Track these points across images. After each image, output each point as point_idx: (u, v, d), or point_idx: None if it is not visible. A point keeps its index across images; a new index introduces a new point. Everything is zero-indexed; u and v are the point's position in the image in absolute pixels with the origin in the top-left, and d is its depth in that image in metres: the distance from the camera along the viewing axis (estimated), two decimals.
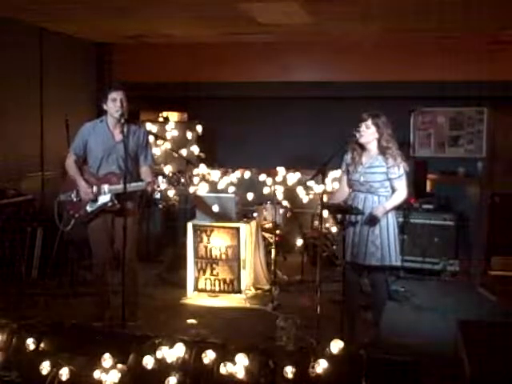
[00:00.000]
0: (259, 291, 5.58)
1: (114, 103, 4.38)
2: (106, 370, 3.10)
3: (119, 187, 4.32)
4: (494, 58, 6.52)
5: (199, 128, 7.35)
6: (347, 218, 4.16)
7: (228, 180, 6.45)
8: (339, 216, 4.20)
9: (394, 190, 4.15)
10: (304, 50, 7.15)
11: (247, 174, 6.41)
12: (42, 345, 3.33)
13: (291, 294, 5.60)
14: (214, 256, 5.45)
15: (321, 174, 4.07)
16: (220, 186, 6.43)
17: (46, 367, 3.17)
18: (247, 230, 5.43)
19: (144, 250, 6.59)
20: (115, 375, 3.08)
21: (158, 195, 6.84)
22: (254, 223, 5.60)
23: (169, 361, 3.10)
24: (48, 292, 5.45)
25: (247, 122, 7.70)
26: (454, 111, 7.36)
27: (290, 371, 2.98)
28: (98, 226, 4.52)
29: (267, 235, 5.77)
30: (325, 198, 4.12)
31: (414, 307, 5.29)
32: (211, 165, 6.73)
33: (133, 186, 4.30)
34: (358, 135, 4.14)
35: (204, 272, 5.47)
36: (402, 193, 4.15)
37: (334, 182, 6.11)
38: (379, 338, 4.24)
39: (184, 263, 5.57)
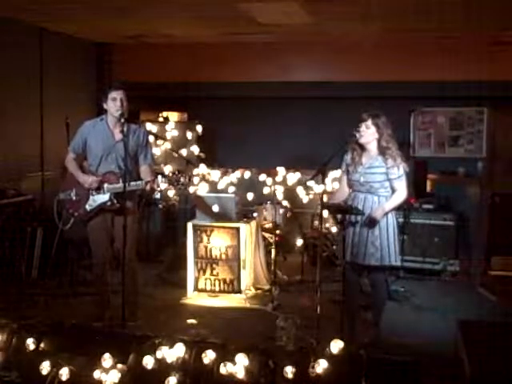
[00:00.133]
0: (259, 291, 5.58)
1: (114, 102, 4.38)
2: (106, 370, 3.10)
3: (118, 186, 4.33)
4: (494, 58, 6.52)
5: (199, 128, 7.36)
6: (347, 218, 4.16)
7: (228, 180, 6.46)
8: (339, 216, 4.20)
9: (393, 191, 4.14)
10: (304, 50, 7.15)
11: (247, 174, 6.42)
12: (41, 345, 3.33)
13: (291, 293, 5.60)
14: (213, 256, 5.45)
15: (321, 174, 4.07)
16: (220, 186, 6.43)
17: (45, 367, 3.17)
18: (247, 229, 5.43)
19: (144, 250, 6.59)
20: (115, 375, 3.08)
21: (158, 195, 6.84)
22: (254, 223, 5.60)
23: (169, 361, 3.10)
24: (48, 292, 5.44)
25: (247, 122, 7.70)
26: (454, 111, 7.36)
27: (290, 371, 2.98)
28: (98, 226, 4.52)
29: (267, 235, 5.77)
30: (325, 198, 4.12)
31: (414, 307, 5.28)
32: (211, 165, 6.74)
33: (132, 186, 4.30)
34: (357, 135, 4.14)
35: (204, 272, 5.47)
36: (401, 193, 4.15)
37: (334, 182, 6.11)
38: (379, 338, 4.24)
39: (184, 263, 5.57)
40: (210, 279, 5.46)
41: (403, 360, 3.02)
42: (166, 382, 3.02)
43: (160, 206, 6.96)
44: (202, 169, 6.45)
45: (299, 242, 6.35)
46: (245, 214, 5.63)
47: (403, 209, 6.07)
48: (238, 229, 5.39)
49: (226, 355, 3.07)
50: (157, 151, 7.05)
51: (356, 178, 4.20)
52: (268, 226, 5.74)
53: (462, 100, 7.21)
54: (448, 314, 4.86)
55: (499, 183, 6.94)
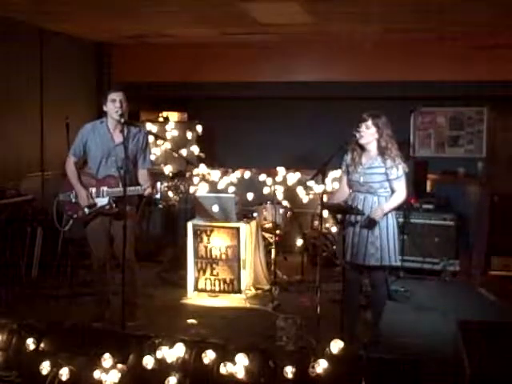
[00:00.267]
0: (259, 291, 5.58)
1: (114, 104, 4.37)
2: (106, 370, 3.10)
3: (117, 190, 4.32)
4: (494, 58, 6.52)
5: (199, 128, 7.35)
6: (347, 217, 4.16)
7: (228, 180, 6.45)
8: (339, 216, 4.20)
9: (392, 191, 4.14)
10: (304, 50, 7.15)
11: (247, 174, 6.41)
12: (41, 345, 3.34)
13: (291, 293, 5.59)
14: (214, 256, 5.44)
15: (321, 174, 4.07)
16: (220, 186, 6.43)
17: (46, 367, 3.18)
18: (247, 229, 5.43)
19: (144, 250, 6.59)
20: (115, 375, 3.08)
21: (158, 195, 6.84)
22: (253, 223, 5.60)
23: (169, 361, 3.11)
24: (48, 292, 5.44)
25: (247, 122, 7.71)
26: (454, 111, 7.37)
27: (290, 371, 2.98)
28: (97, 227, 4.52)
29: (267, 235, 5.77)
30: (325, 198, 4.12)
31: (414, 307, 5.29)
32: (211, 165, 6.73)
33: (131, 190, 4.29)
34: (358, 135, 4.14)
35: (204, 272, 5.47)
36: (400, 194, 4.14)
37: (334, 182, 6.11)
38: (379, 338, 4.24)
39: (184, 263, 5.57)
40: (210, 279, 5.46)
41: (403, 360, 3.02)
42: (165, 382, 3.03)
43: (160, 206, 6.96)
44: (202, 169, 6.45)
45: (299, 241, 6.35)
46: (245, 214, 5.63)
47: (403, 209, 6.07)
48: (238, 229, 5.39)
49: (225, 355, 3.08)
50: (157, 151, 7.05)
51: (356, 178, 4.20)
52: (268, 225, 5.73)
53: (462, 100, 7.22)
54: (448, 314, 4.87)
55: (499, 183, 6.94)
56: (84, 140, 4.52)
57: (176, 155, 6.52)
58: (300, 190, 6.27)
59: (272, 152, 7.32)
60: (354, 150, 4.24)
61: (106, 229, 4.52)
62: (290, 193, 6.23)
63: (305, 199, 6.32)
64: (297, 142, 7.41)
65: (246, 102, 7.72)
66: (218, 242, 5.43)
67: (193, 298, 5.45)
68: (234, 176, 6.48)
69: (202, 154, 7.07)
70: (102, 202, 4.44)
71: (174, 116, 8.08)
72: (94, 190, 4.46)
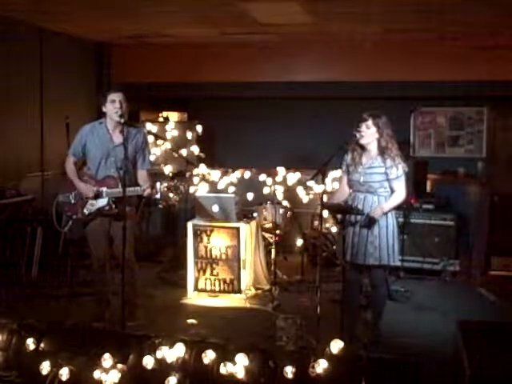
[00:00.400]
0: (259, 291, 5.58)
1: (113, 105, 4.36)
2: (106, 370, 3.10)
3: (117, 191, 4.32)
4: (494, 58, 6.52)
5: (199, 128, 7.35)
6: (347, 218, 4.16)
7: (228, 180, 6.45)
8: (339, 216, 4.20)
9: (392, 191, 4.14)
10: (304, 50, 7.15)
11: (247, 174, 6.41)
12: (42, 345, 3.34)
13: (291, 293, 5.59)
14: (214, 256, 5.44)
15: (321, 174, 4.07)
16: (220, 186, 6.43)
17: (46, 367, 3.18)
18: (247, 229, 5.43)
19: (144, 250, 6.59)
20: (115, 375, 3.08)
21: (158, 195, 6.83)
22: (254, 223, 5.60)
23: (169, 361, 3.10)
24: (48, 292, 5.44)
25: (247, 122, 7.71)
26: (454, 111, 7.37)
27: (290, 371, 2.98)
28: (96, 228, 4.51)
29: (267, 235, 5.77)
30: (325, 198, 4.12)
31: (414, 307, 5.29)
32: (211, 165, 6.73)
33: (130, 191, 4.29)
34: (358, 135, 4.14)
35: (204, 272, 5.47)
36: (400, 194, 4.14)
37: (334, 182, 6.11)
38: (379, 338, 4.24)
39: (184, 263, 5.57)
40: (210, 279, 5.46)
41: (403, 360, 3.02)
42: (165, 382, 3.02)
43: (160, 206, 6.96)
44: (202, 169, 6.45)
45: (299, 242, 6.34)
46: (245, 214, 5.63)
47: (403, 209, 6.07)
48: (238, 229, 5.39)
49: (226, 355, 3.07)
50: (157, 151, 7.05)
51: (356, 178, 4.20)
52: (268, 225, 5.73)
53: (462, 100, 7.22)
54: (448, 314, 4.87)
55: (499, 183, 6.94)
56: (83, 141, 4.51)
57: (176, 155, 6.52)
58: (300, 190, 6.26)
59: (272, 152, 7.32)
60: (354, 149, 4.24)
61: (105, 229, 4.52)
62: (290, 193, 6.23)
63: (305, 199, 6.32)
64: (297, 142, 7.41)
65: (246, 102, 7.73)
66: (218, 242, 5.43)
67: (193, 298, 5.45)
68: (234, 176, 6.47)
69: (201, 154, 7.07)
70: (101, 202, 4.43)
71: (174, 116, 8.08)
72: (94, 189, 4.45)
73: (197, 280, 5.49)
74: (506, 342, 3.20)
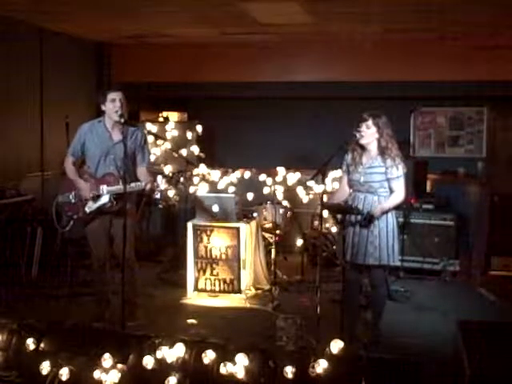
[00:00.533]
0: (259, 291, 5.57)
1: (113, 104, 4.36)
2: (106, 370, 3.10)
3: (118, 188, 4.32)
4: (494, 58, 6.52)
5: (199, 128, 7.35)
6: (347, 218, 4.16)
7: (228, 180, 6.45)
8: (339, 216, 4.20)
9: (391, 191, 4.14)
10: (304, 50, 7.16)
11: (247, 174, 6.41)
12: (42, 345, 3.34)
13: (291, 293, 5.59)
14: (214, 256, 5.44)
15: (321, 174, 4.07)
16: (220, 186, 6.43)
17: (46, 367, 3.18)
18: (247, 229, 5.43)
19: (144, 249, 6.59)
20: (115, 375, 3.08)
21: (158, 195, 6.83)
22: (253, 223, 5.60)
23: (169, 361, 3.10)
24: (48, 292, 5.44)
25: (247, 122, 7.71)
26: (454, 111, 7.37)
27: (290, 371, 2.98)
28: (97, 227, 4.51)
29: (267, 235, 5.77)
30: (325, 198, 4.12)
31: (414, 307, 5.29)
32: (211, 165, 6.73)
33: (132, 187, 4.29)
34: (358, 135, 4.14)
35: (204, 272, 5.47)
36: (399, 194, 4.14)
37: (334, 182, 6.11)
38: (379, 338, 4.24)
39: (184, 263, 5.57)
40: (210, 279, 5.46)
41: (403, 360, 3.02)
42: (165, 382, 3.02)
43: (160, 206, 6.96)
44: (202, 169, 6.45)
45: (299, 242, 6.34)
46: (245, 214, 5.63)
47: (403, 209, 6.07)
48: (238, 229, 5.39)
49: (226, 355, 3.07)
50: (157, 151, 7.05)
51: (356, 178, 4.20)
52: (268, 225, 5.73)
53: (462, 100, 7.22)
54: (448, 314, 4.87)
55: (499, 183, 6.94)
56: (82, 140, 4.51)
57: (176, 155, 6.51)
58: (300, 190, 6.26)
59: (272, 152, 7.32)
60: (354, 149, 4.24)
61: (105, 229, 4.52)
62: (290, 193, 6.23)
63: (305, 199, 6.32)
64: (297, 142, 7.41)
65: (246, 102, 7.73)
66: (218, 242, 5.43)
67: (193, 298, 5.45)
68: (234, 176, 6.48)
69: (202, 154, 7.07)
70: (102, 200, 4.43)
71: (174, 116, 8.08)
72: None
73: (197, 280, 5.49)
74: (506, 341, 3.20)
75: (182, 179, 4.31)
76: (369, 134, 4.13)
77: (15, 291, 5.25)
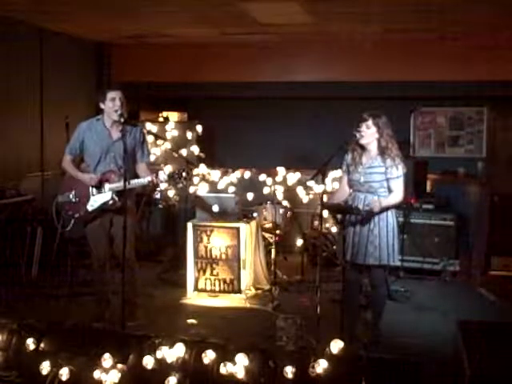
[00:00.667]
0: (259, 291, 5.58)
1: (113, 102, 4.36)
2: (106, 370, 3.10)
3: (119, 185, 4.31)
4: (494, 58, 6.52)
5: (199, 128, 7.35)
6: (347, 217, 4.15)
7: (228, 180, 6.45)
8: (339, 216, 4.20)
9: (390, 191, 4.14)
10: (304, 50, 7.16)
11: (247, 174, 6.41)
12: (42, 345, 3.34)
13: (291, 293, 5.59)
14: (214, 256, 5.44)
15: (321, 174, 4.07)
16: (220, 186, 6.43)
17: (46, 367, 3.18)
18: (247, 229, 5.43)
19: (144, 249, 6.59)
20: (115, 375, 3.08)
21: (158, 195, 6.85)
22: (254, 223, 5.60)
23: (169, 361, 3.10)
24: (48, 292, 5.44)
25: (247, 122, 7.71)
26: (454, 111, 7.37)
27: (290, 371, 2.98)
28: (96, 227, 4.51)
29: (267, 235, 5.77)
30: (325, 198, 4.12)
31: (414, 307, 5.29)
32: (211, 165, 6.73)
33: (135, 183, 4.30)
34: (358, 135, 4.14)
35: (204, 272, 5.47)
36: (397, 194, 4.13)
37: (334, 182, 6.11)
38: (379, 338, 4.24)
39: (184, 263, 5.57)
40: (210, 279, 5.46)
41: (403, 360, 3.02)
42: (165, 382, 3.02)
43: (160, 206, 6.96)
44: (202, 169, 6.45)
45: (299, 242, 6.35)
46: (245, 214, 5.63)
47: (403, 209, 6.07)
48: (238, 229, 5.39)
49: (226, 355, 3.07)
50: (157, 151, 7.05)
51: (356, 178, 4.20)
52: (268, 225, 5.73)
53: (462, 100, 7.22)
54: (448, 314, 4.87)
55: (499, 183, 6.94)
56: (81, 138, 4.51)
57: (176, 155, 6.52)
58: (300, 190, 6.27)
59: (272, 152, 7.33)
60: (354, 149, 4.24)
61: (105, 228, 4.52)
62: (290, 193, 6.23)
63: (305, 199, 6.32)
64: (297, 142, 7.41)
65: (246, 102, 7.73)
66: (218, 242, 5.43)
67: (193, 298, 5.45)
68: (234, 176, 6.48)
69: (202, 154, 7.07)
70: (104, 198, 4.43)
71: (174, 116, 8.08)
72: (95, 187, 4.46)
73: (197, 280, 5.49)
74: (506, 341, 3.20)
75: (184, 174, 4.28)
76: (369, 134, 4.13)
77: (15, 291, 5.25)
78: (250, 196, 6.04)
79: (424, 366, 3.00)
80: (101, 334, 3.48)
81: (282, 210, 5.80)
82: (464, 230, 6.36)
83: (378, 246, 4.10)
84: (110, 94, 4.38)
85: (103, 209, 4.45)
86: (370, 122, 4.12)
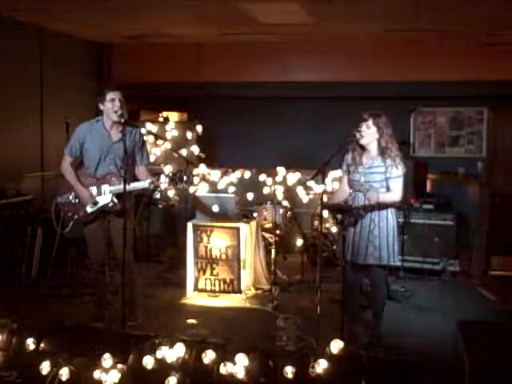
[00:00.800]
0: (259, 291, 5.58)
1: (113, 103, 4.35)
2: (106, 370, 3.10)
3: (119, 187, 4.30)
4: (494, 58, 6.52)
5: (199, 128, 7.35)
6: (347, 218, 4.15)
7: (228, 180, 6.45)
8: (339, 216, 4.19)
9: (389, 191, 4.13)
10: (304, 50, 7.16)
11: (247, 174, 6.41)
12: (42, 345, 3.33)
13: (291, 293, 5.59)
14: (214, 256, 5.44)
15: (321, 174, 4.07)
16: (220, 186, 6.42)
17: (46, 367, 3.17)
18: (247, 229, 5.43)
19: (144, 250, 6.60)
20: (115, 375, 3.08)
21: (158, 195, 6.84)
22: (254, 223, 5.60)
23: (169, 361, 3.10)
24: (48, 292, 5.44)
25: (247, 121, 7.71)
26: (454, 111, 7.37)
27: (290, 371, 2.98)
28: (95, 229, 4.49)
29: (267, 235, 5.77)
30: (325, 198, 4.12)
31: (414, 307, 5.29)
32: (211, 165, 6.73)
33: (135, 185, 4.29)
34: (358, 135, 4.14)
35: (204, 272, 5.47)
36: (396, 193, 4.13)
37: (334, 182, 6.11)
38: (379, 338, 4.24)
39: (184, 263, 5.57)
40: (210, 279, 5.46)
41: (403, 360, 3.02)
42: (165, 382, 3.02)
43: (160, 206, 6.96)
44: (202, 169, 6.45)
45: (299, 242, 6.35)
46: (245, 214, 5.63)
47: (403, 209, 6.07)
48: (238, 229, 5.39)
49: (225, 355, 3.07)
50: (157, 151, 7.05)
51: (356, 178, 4.20)
52: (268, 225, 5.74)
53: (462, 100, 7.22)
54: (448, 314, 4.87)
55: (499, 183, 6.93)
56: (81, 140, 4.49)
57: (176, 155, 6.51)
58: (300, 190, 6.26)
59: (272, 152, 7.32)
60: (354, 149, 4.24)
61: (104, 230, 4.50)
62: (290, 193, 6.23)
63: (305, 199, 6.32)
64: (297, 142, 7.40)
65: (246, 101, 7.72)
66: (218, 242, 5.43)
67: (193, 298, 5.45)
68: (234, 176, 6.47)
69: (202, 154, 7.06)
70: (104, 200, 4.42)
71: (174, 116, 8.09)
72: (94, 189, 4.45)
73: (197, 280, 5.49)
74: (506, 341, 3.20)
75: (185, 177, 4.28)
76: (369, 133, 4.13)
77: (15, 291, 5.25)
78: (250, 196, 6.04)
79: (424, 366, 2.99)
80: (101, 334, 3.48)
81: (281, 210, 5.80)
82: (464, 230, 6.36)
83: (378, 246, 4.10)
84: (110, 95, 4.37)
85: (102, 210, 4.44)
86: (370, 122, 4.12)
